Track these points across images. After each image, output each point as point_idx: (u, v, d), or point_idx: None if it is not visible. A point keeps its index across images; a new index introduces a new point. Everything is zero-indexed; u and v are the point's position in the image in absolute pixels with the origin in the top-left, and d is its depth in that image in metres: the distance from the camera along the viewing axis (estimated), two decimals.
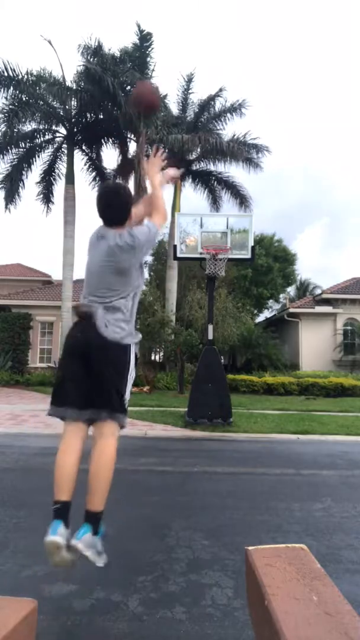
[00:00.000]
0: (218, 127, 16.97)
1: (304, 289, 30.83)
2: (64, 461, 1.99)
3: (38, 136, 15.82)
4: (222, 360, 7.29)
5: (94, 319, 1.95)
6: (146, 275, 22.26)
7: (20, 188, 15.94)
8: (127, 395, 2.01)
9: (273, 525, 2.89)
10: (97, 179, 17.15)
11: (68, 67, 50.70)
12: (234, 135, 16.40)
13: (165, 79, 47.55)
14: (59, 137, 16.24)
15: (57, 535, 1.76)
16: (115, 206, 2.08)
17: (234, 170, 37.55)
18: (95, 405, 1.92)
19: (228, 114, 16.59)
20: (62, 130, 16.05)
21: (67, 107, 15.36)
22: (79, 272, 19.27)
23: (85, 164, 17.02)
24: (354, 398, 12.12)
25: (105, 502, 1.88)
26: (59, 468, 2.01)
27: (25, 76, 14.17)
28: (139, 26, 13.91)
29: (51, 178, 16.83)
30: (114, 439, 1.94)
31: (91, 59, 14.31)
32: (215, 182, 17.74)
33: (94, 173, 17.10)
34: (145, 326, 13.69)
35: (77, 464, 2.00)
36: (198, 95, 18.84)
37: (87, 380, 1.91)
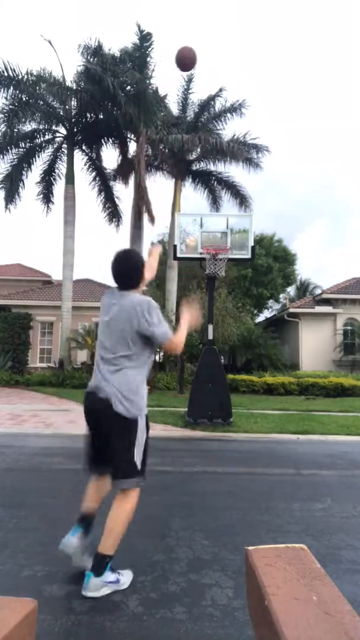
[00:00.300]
0: (218, 127, 17.00)
1: (304, 289, 30.83)
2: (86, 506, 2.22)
3: (38, 136, 15.82)
4: (222, 360, 7.29)
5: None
6: None
7: (20, 188, 15.94)
8: (139, 460, 2.11)
9: (273, 525, 2.89)
10: (97, 179, 17.17)
11: (68, 67, 50.75)
12: (234, 135, 16.42)
13: (165, 79, 47.52)
14: (59, 137, 16.24)
15: (75, 537, 2.11)
16: (126, 274, 2.22)
17: (234, 170, 37.46)
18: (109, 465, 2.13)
19: (228, 114, 16.60)
20: (62, 130, 16.06)
21: (67, 107, 15.37)
22: (79, 272, 19.27)
23: (85, 164, 17.04)
24: (354, 398, 12.12)
25: (115, 549, 2.04)
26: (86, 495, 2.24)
27: (25, 76, 14.17)
28: (139, 26, 13.90)
29: (51, 178, 16.83)
30: (130, 498, 2.10)
31: (91, 59, 14.31)
32: (215, 182, 17.75)
33: (94, 173, 17.10)
34: None
35: (96, 508, 2.24)
36: (198, 95, 18.87)
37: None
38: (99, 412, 2.10)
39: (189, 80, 16.83)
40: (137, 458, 2.09)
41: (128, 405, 2.07)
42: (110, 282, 2.46)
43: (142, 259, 2.34)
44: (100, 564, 1.98)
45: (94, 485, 2.22)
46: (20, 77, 14.06)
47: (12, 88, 14.11)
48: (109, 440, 2.08)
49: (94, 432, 2.19)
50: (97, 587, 1.96)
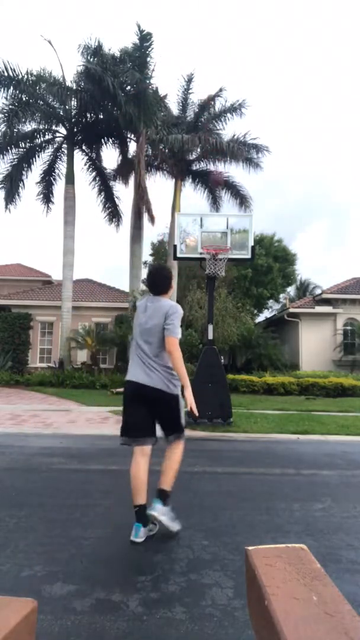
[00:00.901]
0: (218, 127, 17.00)
1: (304, 289, 30.82)
2: (137, 473, 2.67)
3: (38, 136, 15.83)
4: (222, 360, 7.28)
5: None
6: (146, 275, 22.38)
7: (20, 188, 15.96)
8: (183, 421, 2.84)
9: (273, 525, 2.89)
10: (97, 179, 17.17)
11: (68, 67, 50.75)
12: (234, 135, 16.43)
13: (166, 79, 47.53)
14: (59, 137, 16.25)
15: (138, 538, 2.54)
16: (159, 283, 2.95)
17: (234, 170, 37.49)
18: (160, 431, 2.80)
19: (228, 114, 16.61)
20: (62, 130, 16.07)
21: (67, 107, 15.37)
22: (79, 272, 19.28)
23: (85, 164, 17.06)
24: (354, 398, 12.12)
25: (171, 486, 2.72)
26: (133, 479, 2.65)
27: (25, 76, 14.19)
28: (139, 26, 13.91)
29: (51, 178, 16.85)
30: (180, 447, 2.81)
31: (91, 59, 14.32)
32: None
33: (94, 173, 17.11)
34: None
35: (146, 475, 2.69)
36: (198, 95, 18.85)
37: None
38: (156, 398, 2.70)
39: (189, 80, 16.84)
40: (182, 420, 2.81)
41: (172, 387, 2.73)
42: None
43: (171, 273, 3.04)
44: (163, 495, 2.64)
45: (142, 457, 2.69)
46: (20, 77, 14.08)
47: (12, 88, 14.13)
48: (160, 413, 2.75)
49: (139, 408, 2.72)
50: (163, 511, 2.58)
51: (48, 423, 7.19)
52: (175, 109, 17.36)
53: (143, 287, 16.15)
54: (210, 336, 7.48)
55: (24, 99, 14.39)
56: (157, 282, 2.95)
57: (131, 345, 2.92)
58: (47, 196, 17.04)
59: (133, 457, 2.69)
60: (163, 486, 2.68)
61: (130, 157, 16.68)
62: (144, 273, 21.17)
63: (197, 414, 2.80)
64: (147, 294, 3.07)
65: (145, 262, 22.29)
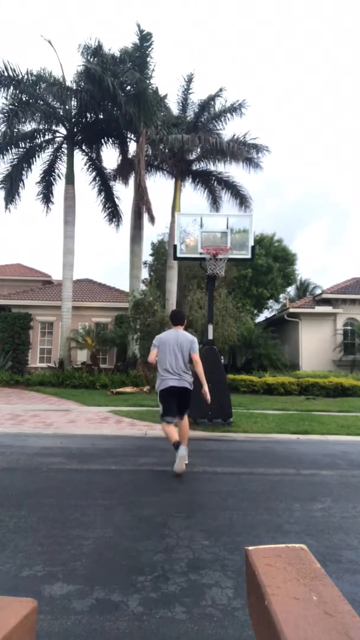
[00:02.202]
0: (218, 127, 17.00)
1: (304, 289, 30.80)
2: (171, 430, 4.38)
3: (38, 136, 15.82)
4: (222, 360, 7.27)
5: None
6: (146, 275, 22.36)
7: (20, 188, 15.96)
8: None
9: (273, 525, 2.89)
10: (97, 179, 17.17)
11: (68, 67, 50.73)
12: (234, 135, 16.42)
13: (166, 79, 47.57)
14: (59, 137, 16.24)
15: (181, 451, 4.15)
16: (180, 320, 4.80)
17: (234, 170, 37.46)
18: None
19: (228, 114, 16.60)
20: (62, 130, 16.07)
21: (67, 107, 15.37)
22: (79, 272, 19.28)
23: (85, 164, 17.06)
24: (354, 398, 12.12)
25: (187, 441, 4.42)
26: (169, 433, 4.35)
27: (25, 76, 14.18)
28: (139, 26, 13.91)
29: (51, 178, 16.84)
30: (187, 418, 4.57)
31: (91, 59, 14.32)
32: (215, 182, 17.74)
33: (94, 173, 17.11)
34: (145, 326, 13.69)
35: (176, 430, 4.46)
36: (198, 95, 18.88)
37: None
38: (183, 392, 4.44)
39: (189, 80, 16.84)
40: (191, 404, 4.62)
41: (189, 386, 4.48)
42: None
43: (185, 314, 5.14)
44: (183, 446, 4.23)
45: (173, 427, 4.40)
46: (20, 77, 14.08)
47: (12, 88, 14.13)
48: (183, 401, 4.47)
49: (173, 400, 4.42)
50: (185, 454, 4.19)
51: (48, 423, 7.19)
52: (175, 109, 17.37)
53: (143, 286, 16.16)
54: (210, 336, 7.47)
55: (24, 99, 14.39)
56: (179, 318, 4.81)
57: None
58: (47, 196, 17.04)
59: (166, 426, 4.39)
60: (182, 441, 4.30)
61: (130, 157, 16.67)
62: (144, 273, 21.21)
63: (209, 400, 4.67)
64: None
65: (145, 262, 22.30)
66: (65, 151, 16.25)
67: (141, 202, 15.13)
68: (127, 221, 17.43)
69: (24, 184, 16.05)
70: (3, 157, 15.38)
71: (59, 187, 17.18)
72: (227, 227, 7.60)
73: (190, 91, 17.01)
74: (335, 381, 13.06)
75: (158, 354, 4.50)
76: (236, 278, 22.04)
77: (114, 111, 14.73)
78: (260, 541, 2.63)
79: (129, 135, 16.39)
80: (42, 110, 14.63)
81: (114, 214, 17.64)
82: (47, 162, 16.56)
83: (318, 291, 25.07)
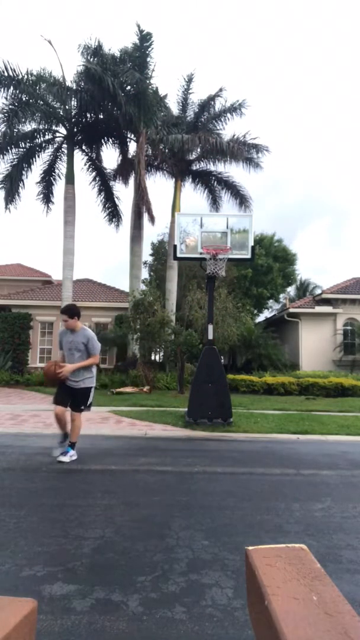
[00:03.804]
0: (218, 127, 17.02)
1: (304, 289, 30.79)
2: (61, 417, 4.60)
3: (38, 136, 15.82)
4: (222, 360, 7.28)
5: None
6: (146, 275, 22.33)
7: (20, 188, 15.95)
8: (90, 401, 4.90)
9: (273, 525, 2.89)
10: (97, 179, 17.17)
11: (68, 67, 50.71)
12: (234, 135, 16.43)
13: (166, 79, 47.59)
14: (59, 137, 16.24)
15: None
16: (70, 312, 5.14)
17: (234, 170, 37.47)
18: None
19: (228, 114, 16.62)
20: (62, 130, 16.07)
21: (67, 107, 15.37)
22: (79, 272, 19.28)
23: (85, 164, 17.05)
24: (354, 398, 12.12)
25: (76, 439, 4.71)
26: (59, 420, 4.60)
27: (25, 76, 14.18)
28: (139, 26, 13.90)
29: (51, 178, 16.84)
30: (79, 417, 4.80)
31: (91, 59, 14.32)
32: (215, 182, 17.75)
33: (94, 173, 17.11)
34: (145, 326, 13.69)
35: (66, 418, 4.65)
36: (198, 95, 18.88)
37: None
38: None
39: (189, 80, 16.85)
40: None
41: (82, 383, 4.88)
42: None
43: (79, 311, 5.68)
44: (72, 446, 4.64)
45: (65, 413, 4.64)
46: (20, 77, 14.07)
47: (12, 88, 14.12)
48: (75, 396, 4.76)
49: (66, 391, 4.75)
50: (71, 455, 4.59)
51: (48, 423, 7.18)
52: (175, 109, 17.38)
53: (143, 286, 16.15)
54: (210, 336, 7.47)
55: (24, 99, 14.38)
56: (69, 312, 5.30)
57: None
58: (47, 196, 17.04)
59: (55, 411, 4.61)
60: (72, 439, 4.69)
61: (130, 157, 16.67)
62: (144, 273, 21.20)
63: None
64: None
65: (145, 262, 22.30)
66: (65, 151, 16.25)
67: (141, 202, 15.13)
68: (127, 221, 17.45)
69: (24, 184, 16.06)
70: (3, 157, 15.39)
71: (59, 187, 17.20)
72: (227, 227, 7.59)
73: (190, 91, 17.03)
74: (335, 381, 13.06)
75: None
76: (236, 278, 22.04)
77: (114, 111, 14.72)
78: (260, 541, 2.63)
79: (129, 135, 16.39)
80: (42, 110, 14.63)
81: (114, 214, 17.64)
82: (47, 162, 16.56)
83: (318, 291, 25.06)
